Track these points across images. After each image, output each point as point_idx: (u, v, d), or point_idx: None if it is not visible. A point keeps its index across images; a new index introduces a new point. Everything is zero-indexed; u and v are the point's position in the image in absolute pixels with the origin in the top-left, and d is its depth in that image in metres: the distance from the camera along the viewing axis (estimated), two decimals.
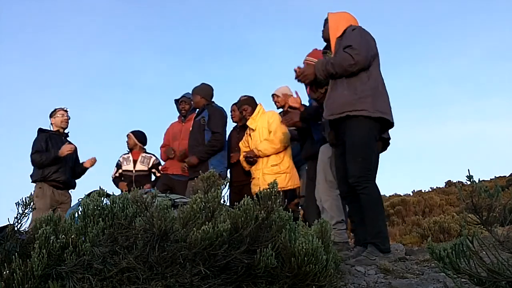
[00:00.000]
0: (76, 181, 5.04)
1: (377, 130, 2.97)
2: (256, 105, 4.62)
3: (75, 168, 5.00)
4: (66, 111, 4.97)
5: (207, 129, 4.58)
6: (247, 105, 4.60)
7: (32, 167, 4.80)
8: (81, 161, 5.10)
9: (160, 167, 5.35)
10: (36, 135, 4.87)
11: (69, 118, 4.99)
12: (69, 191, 4.93)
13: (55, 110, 4.96)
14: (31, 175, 4.79)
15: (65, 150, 4.70)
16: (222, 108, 4.82)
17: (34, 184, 4.74)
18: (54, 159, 4.66)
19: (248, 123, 4.56)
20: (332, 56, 3.03)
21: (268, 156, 4.33)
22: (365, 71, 2.96)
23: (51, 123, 4.94)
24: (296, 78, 3.24)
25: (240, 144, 4.65)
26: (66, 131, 5.00)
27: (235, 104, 4.91)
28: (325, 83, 3.15)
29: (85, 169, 5.09)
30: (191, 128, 4.77)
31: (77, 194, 5.56)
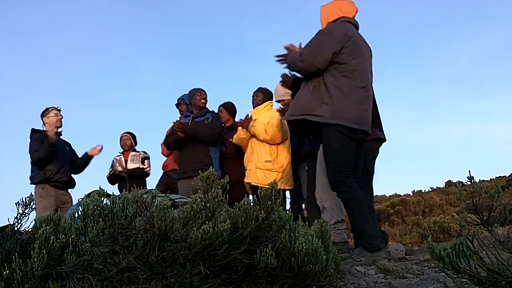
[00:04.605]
0: (76, 181, 5.04)
1: (351, 134, 2.93)
2: (269, 99, 4.61)
3: (73, 165, 5.00)
4: (59, 110, 4.87)
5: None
6: (260, 92, 4.60)
7: (31, 169, 4.73)
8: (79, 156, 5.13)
9: (148, 162, 5.68)
10: (30, 136, 4.75)
11: (62, 118, 4.88)
12: (69, 190, 4.93)
13: (47, 109, 4.84)
14: (31, 177, 4.70)
15: (53, 136, 4.63)
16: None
17: (34, 185, 4.67)
18: (49, 147, 4.58)
19: (251, 112, 4.57)
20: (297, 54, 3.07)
21: (260, 140, 4.31)
22: (319, 77, 2.96)
23: (44, 123, 4.81)
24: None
25: (239, 128, 4.64)
26: (59, 130, 4.88)
27: (221, 105, 5.03)
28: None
29: (90, 158, 5.12)
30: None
31: (77, 194, 5.59)
